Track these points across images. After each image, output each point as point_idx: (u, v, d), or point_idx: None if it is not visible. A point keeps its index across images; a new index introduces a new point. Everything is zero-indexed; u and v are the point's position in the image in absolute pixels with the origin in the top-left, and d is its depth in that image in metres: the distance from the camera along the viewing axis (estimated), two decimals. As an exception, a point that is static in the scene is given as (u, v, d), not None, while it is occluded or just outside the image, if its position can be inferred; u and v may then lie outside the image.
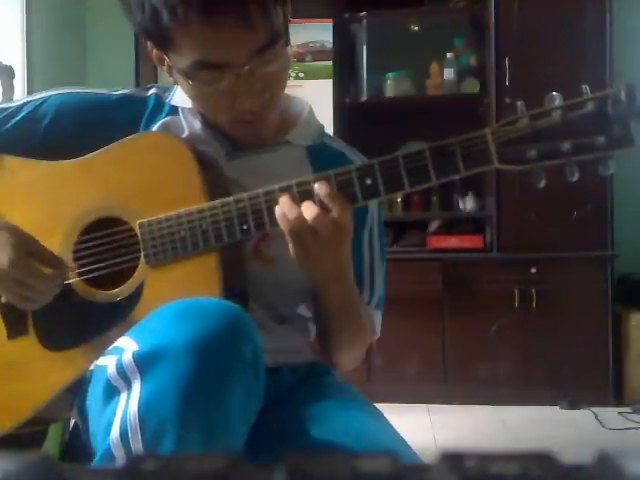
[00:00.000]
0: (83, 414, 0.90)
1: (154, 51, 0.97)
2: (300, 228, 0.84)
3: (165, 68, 0.98)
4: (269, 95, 0.94)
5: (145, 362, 0.72)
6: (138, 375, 0.72)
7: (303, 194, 0.86)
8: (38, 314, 0.98)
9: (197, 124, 1.02)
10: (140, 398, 0.71)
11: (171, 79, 0.99)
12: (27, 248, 0.93)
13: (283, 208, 0.86)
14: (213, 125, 1.02)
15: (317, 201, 0.85)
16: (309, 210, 0.84)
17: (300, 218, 0.84)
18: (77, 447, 1.02)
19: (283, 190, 0.87)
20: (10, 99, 2.69)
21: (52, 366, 0.96)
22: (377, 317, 1.11)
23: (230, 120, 0.97)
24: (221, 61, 0.88)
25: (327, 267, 0.90)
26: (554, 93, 0.79)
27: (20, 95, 2.87)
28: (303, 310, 1.11)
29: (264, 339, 0.99)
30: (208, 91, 0.92)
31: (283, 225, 0.86)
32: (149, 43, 0.96)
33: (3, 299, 0.98)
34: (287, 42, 0.93)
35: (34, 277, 0.92)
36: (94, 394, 0.79)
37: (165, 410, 0.70)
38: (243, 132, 0.99)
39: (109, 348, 0.81)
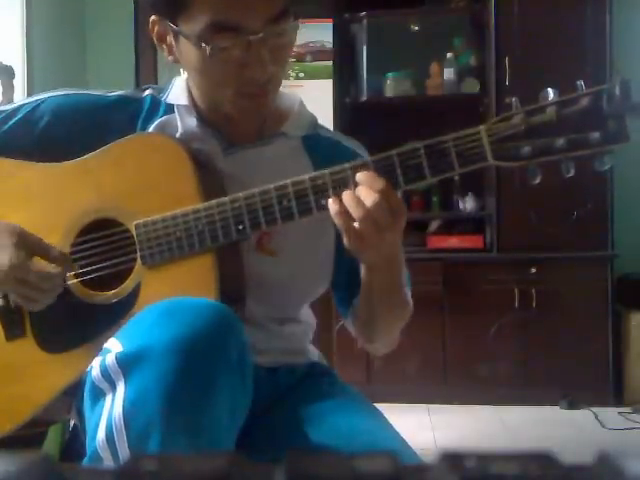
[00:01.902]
0: (81, 415, 0.90)
1: (155, 28, 0.96)
2: (361, 223, 0.81)
3: (166, 47, 0.97)
4: (275, 69, 0.93)
5: (128, 363, 0.72)
6: (122, 376, 0.72)
7: (298, 193, 0.86)
8: (35, 316, 0.98)
9: (193, 121, 1.01)
10: (124, 399, 0.71)
11: (170, 58, 0.98)
12: (29, 247, 0.93)
13: (347, 203, 0.82)
14: (210, 121, 1.02)
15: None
16: (369, 198, 0.81)
17: (364, 215, 0.81)
18: (77, 447, 1.02)
19: (278, 189, 0.87)
20: (10, 99, 2.69)
21: (50, 368, 0.96)
22: (409, 294, 1.09)
23: (234, 93, 0.94)
24: (237, 24, 0.88)
25: (379, 256, 0.88)
26: (549, 89, 0.79)
27: (20, 95, 2.87)
28: (305, 310, 1.10)
29: (263, 339, 0.99)
30: (218, 59, 0.91)
31: (341, 224, 0.83)
32: (153, 19, 0.96)
33: (1, 301, 0.98)
34: (296, 16, 0.93)
35: (36, 276, 0.92)
36: (85, 396, 0.80)
37: (149, 411, 0.70)
38: (245, 107, 0.97)
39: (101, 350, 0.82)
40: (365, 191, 0.82)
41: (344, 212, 0.82)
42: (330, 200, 0.84)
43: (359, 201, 0.82)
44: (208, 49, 0.89)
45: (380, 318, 1.02)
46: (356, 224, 0.82)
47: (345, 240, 0.84)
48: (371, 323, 1.04)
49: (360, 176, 0.83)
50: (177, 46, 0.95)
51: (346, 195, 0.83)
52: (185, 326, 0.73)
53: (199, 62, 0.92)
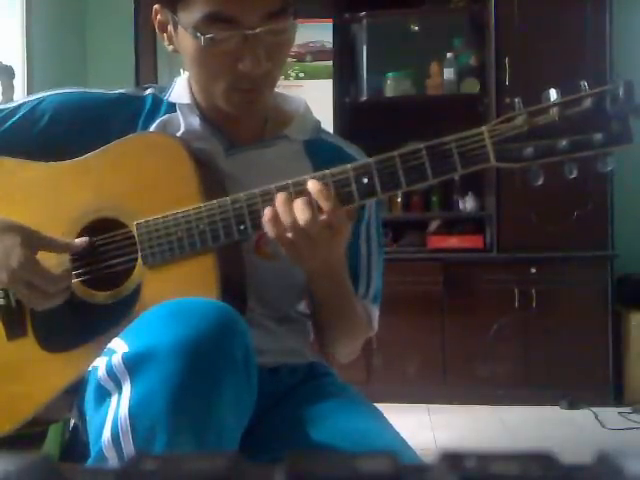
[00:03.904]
0: (82, 415, 0.90)
1: (158, 17, 0.98)
2: (292, 233, 0.83)
3: (167, 36, 0.98)
4: (270, 66, 0.93)
5: (134, 364, 0.72)
6: (128, 377, 0.72)
7: (299, 194, 0.86)
8: (37, 316, 0.98)
9: (195, 120, 1.01)
10: (130, 400, 0.71)
11: (170, 47, 0.99)
12: (34, 244, 0.92)
13: (279, 209, 0.84)
14: (211, 120, 1.02)
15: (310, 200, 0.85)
16: (301, 212, 0.83)
17: (293, 224, 0.83)
18: (77, 447, 1.02)
19: (280, 189, 0.87)
20: (10, 99, 2.69)
21: (51, 367, 0.96)
22: (374, 311, 1.10)
23: (227, 87, 0.95)
24: (233, 17, 0.89)
25: (315, 265, 0.90)
26: (552, 90, 0.78)
27: (20, 95, 2.87)
28: (304, 308, 1.11)
29: (263, 339, 0.99)
30: (213, 51, 0.91)
31: (271, 230, 0.84)
32: (155, 7, 0.97)
33: (2, 301, 0.98)
34: (295, 16, 0.93)
35: (42, 278, 0.92)
36: (88, 396, 0.79)
37: (155, 412, 0.70)
38: (237, 103, 0.97)
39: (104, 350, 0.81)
40: (299, 201, 0.84)
41: (275, 218, 0.84)
42: (267, 208, 0.85)
43: (285, 212, 0.84)
44: (203, 39, 0.90)
45: (327, 327, 1.04)
46: (289, 234, 0.83)
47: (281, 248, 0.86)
48: (320, 328, 1.07)
49: (309, 184, 0.85)
50: (176, 36, 0.96)
51: (278, 199, 0.85)
52: (190, 327, 0.73)
53: (195, 52, 0.93)
